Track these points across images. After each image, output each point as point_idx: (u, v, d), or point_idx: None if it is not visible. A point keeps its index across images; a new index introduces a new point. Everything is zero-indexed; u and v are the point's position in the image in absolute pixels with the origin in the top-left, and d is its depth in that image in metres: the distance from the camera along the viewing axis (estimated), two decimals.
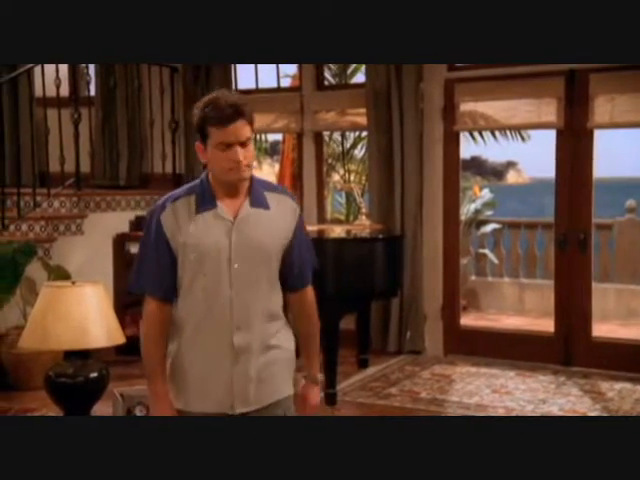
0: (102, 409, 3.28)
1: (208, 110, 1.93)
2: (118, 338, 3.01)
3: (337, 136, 7.48)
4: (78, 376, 3.04)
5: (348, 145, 7.55)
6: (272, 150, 9.15)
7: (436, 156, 5.36)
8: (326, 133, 6.47)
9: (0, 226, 4.87)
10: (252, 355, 1.98)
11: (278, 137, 7.70)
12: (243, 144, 1.94)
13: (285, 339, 2.07)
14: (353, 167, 7.54)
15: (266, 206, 2.02)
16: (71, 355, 3.06)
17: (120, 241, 5.39)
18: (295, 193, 6.54)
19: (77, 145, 5.17)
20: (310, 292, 2.18)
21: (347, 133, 7.40)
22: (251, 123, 1.96)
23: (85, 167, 5.38)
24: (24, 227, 5.02)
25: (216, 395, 1.96)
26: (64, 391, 3.05)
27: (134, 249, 5.34)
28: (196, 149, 2.00)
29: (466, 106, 5.28)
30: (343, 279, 4.18)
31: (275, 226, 2.02)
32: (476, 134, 7.39)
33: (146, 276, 2.00)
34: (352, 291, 4.24)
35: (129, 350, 4.12)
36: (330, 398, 4.15)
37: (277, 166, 7.44)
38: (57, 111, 5.14)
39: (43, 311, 2.94)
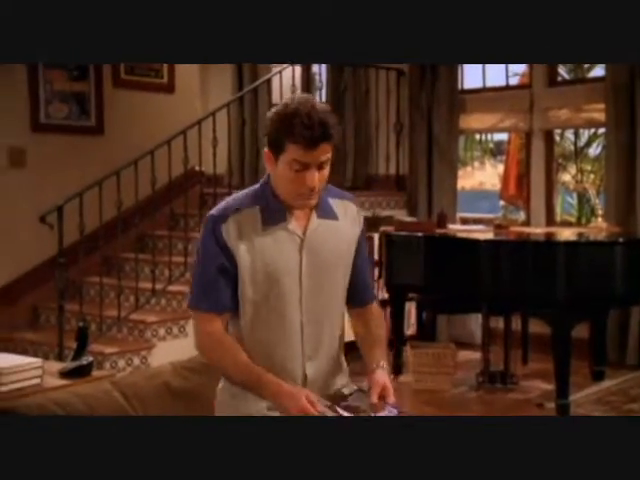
0: None
1: (291, 123, 1.66)
2: None
3: (568, 134, 7.07)
4: None
5: (582, 143, 7.10)
6: (497, 150, 8.92)
7: None
8: (557, 131, 6.14)
9: None
10: (319, 387, 1.82)
11: (503, 137, 7.47)
12: (321, 166, 1.71)
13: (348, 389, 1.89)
14: (587, 166, 7.07)
15: (334, 216, 1.82)
16: None
17: None
18: (521, 195, 6.29)
19: None
20: (377, 307, 1.96)
21: (581, 131, 6.97)
22: (335, 144, 1.72)
23: None
24: None
25: None
26: None
27: None
28: (265, 156, 1.77)
29: None
30: (576, 285, 3.92)
31: (345, 238, 1.84)
32: None
33: (211, 293, 1.77)
34: (586, 298, 3.97)
35: None
36: (562, 409, 3.91)
37: (500, 167, 7.23)
38: None
39: None
